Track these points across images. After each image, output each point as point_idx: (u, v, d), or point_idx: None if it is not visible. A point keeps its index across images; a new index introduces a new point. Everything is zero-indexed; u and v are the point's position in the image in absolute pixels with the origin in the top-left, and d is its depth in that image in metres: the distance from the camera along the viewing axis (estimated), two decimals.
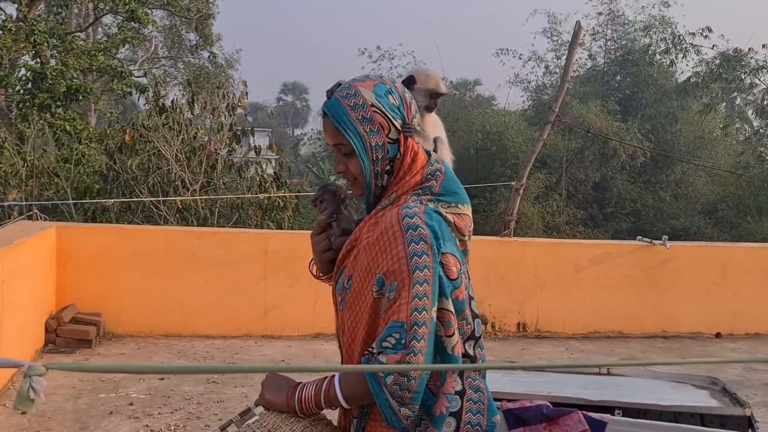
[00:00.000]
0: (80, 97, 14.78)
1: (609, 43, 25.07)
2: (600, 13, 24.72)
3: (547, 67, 25.87)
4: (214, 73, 25.75)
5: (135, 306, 7.20)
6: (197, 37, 28.23)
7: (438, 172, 2.05)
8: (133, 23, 18.15)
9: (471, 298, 2.05)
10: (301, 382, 1.96)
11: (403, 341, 1.85)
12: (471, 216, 2.08)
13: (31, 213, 7.16)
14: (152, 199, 9.62)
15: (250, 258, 7.36)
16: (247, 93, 11.30)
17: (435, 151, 2.26)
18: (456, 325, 1.94)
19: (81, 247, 7.10)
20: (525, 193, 17.95)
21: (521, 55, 30.00)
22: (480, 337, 2.06)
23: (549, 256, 8.34)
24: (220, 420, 5.03)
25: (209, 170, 10.53)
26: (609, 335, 8.30)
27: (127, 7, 15.78)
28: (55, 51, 16.07)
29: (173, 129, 9.99)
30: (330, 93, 2.07)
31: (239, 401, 5.46)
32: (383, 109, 2.01)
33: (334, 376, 1.92)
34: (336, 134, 2.03)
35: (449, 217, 1.99)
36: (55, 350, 6.57)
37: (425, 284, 1.88)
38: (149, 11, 20.19)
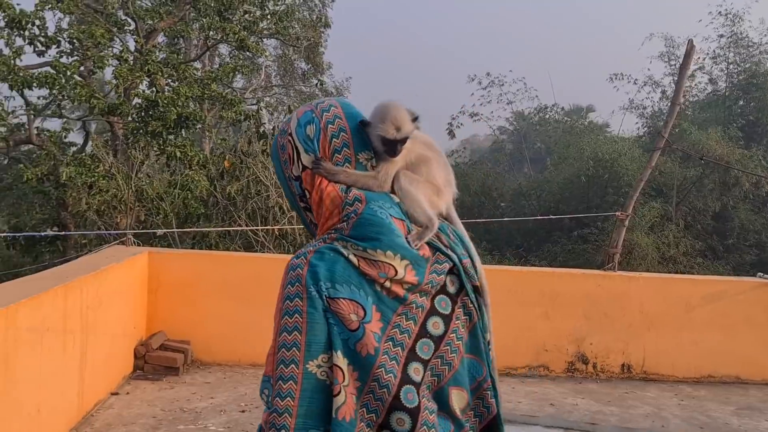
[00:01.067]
0: (190, 125, 15.16)
1: (731, 66, 23.84)
2: (721, 36, 23.57)
3: (663, 92, 24.87)
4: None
5: (223, 334, 7.13)
6: (308, 66, 28.81)
7: (353, 215, 1.78)
8: (244, 52, 18.61)
9: (409, 360, 1.70)
10: None
11: (269, 399, 1.64)
12: (405, 265, 1.75)
13: (124, 239, 7.26)
14: (248, 228, 9.65)
15: None
16: None
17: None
18: (348, 384, 1.61)
19: (172, 273, 7.10)
20: (638, 222, 17.14)
21: (636, 80, 28.96)
22: (416, 412, 1.66)
23: (657, 292, 7.75)
24: None
25: None
26: (725, 381, 7.61)
27: (236, 36, 16.13)
28: (169, 80, 16.64)
29: (270, 155, 10.00)
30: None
31: None
32: (294, 140, 1.83)
33: None
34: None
35: (351, 258, 1.71)
36: (142, 377, 6.56)
37: (295, 332, 1.64)
38: (261, 41, 20.69)
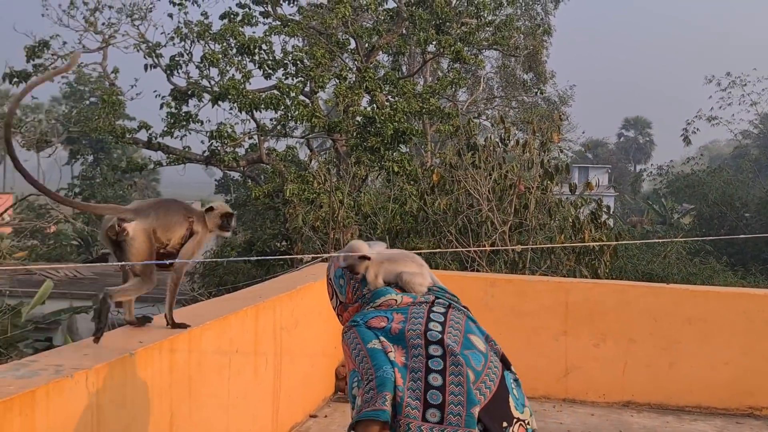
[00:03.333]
0: (407, 139, 15.18)
1: None
2: None
3: None
4: (545, 111, 25.34)
5: None
6: (530, 75, 28.12)
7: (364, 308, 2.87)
8: (461, 64, 18.41)
9: (428, 329, 2.69)
10: None
11: (359, 385, 2.69)
12: (397, 295, 2.85)
13: (329, 255, 7.17)
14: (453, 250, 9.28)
15: (548, 310, 6.57)
16: (559, 128, 10.56)
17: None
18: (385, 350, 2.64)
19: None
20: None
21: None
22: (448, 365, 2.58)
23: None
24: None
25: (522, 210, 9.94)
26: None
27: (452, 48, 15.95)
28: (389, 96, 16.85)
29: (479, 167, 9.60)
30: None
31: None
32: (333, 284, 3.01)
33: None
34: None
35: (369, 309, 2.83)
36: (343, 399, 6.39)
37: (355, 340, 2.73)
38: (480, 52, 20.41)
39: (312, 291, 5.84)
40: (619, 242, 6.64)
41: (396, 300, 2.81)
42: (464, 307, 2.92)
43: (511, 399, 2.67)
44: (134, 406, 3.51)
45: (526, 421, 2.69)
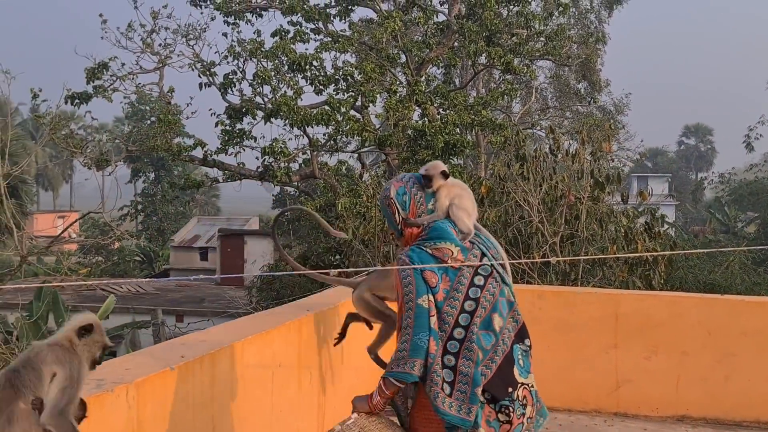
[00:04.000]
0: (458, 151, 15.16)
1: None
2: None
3: None
4: (601, 120, 24.98)
5: None
6: (585, 84, 27.78)
7: (427, 229, 3.26)
8: (512, 75, 18.31)
9: (462, 310, 3.11)
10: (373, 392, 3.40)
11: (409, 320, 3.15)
12: (455, 247, 3.17)
13: (373, 268, 7.17)
14: (512, 261, 9.19)
15: (598, 322, 6.45)
16: (610, 137, 10.40)
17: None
18: (433, 314, 3.08)
19: None
20: None
21: None
22: (462, 349, 3.07)
23: None
24: None
25: (573, 221, 9.81)
26: None
27: (502, 60, 15.88)
28: (440, 109, 16.85)
29: (527, 179, 9.51)
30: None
31: None
32: (395, 203, 3.31)
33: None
34: None
35: (427, 250, 3.17)
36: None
37: (410, 285, 3.09)
38: (531, 62, 20.27)
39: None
40: (669, 252, 6.49)
41: (452, 252, 3.15)
42: (501, 266, 3.25)
43: (515, 368, 3.16)
44: (175, 420, 3.57)
45: (530, 384, 3.20)
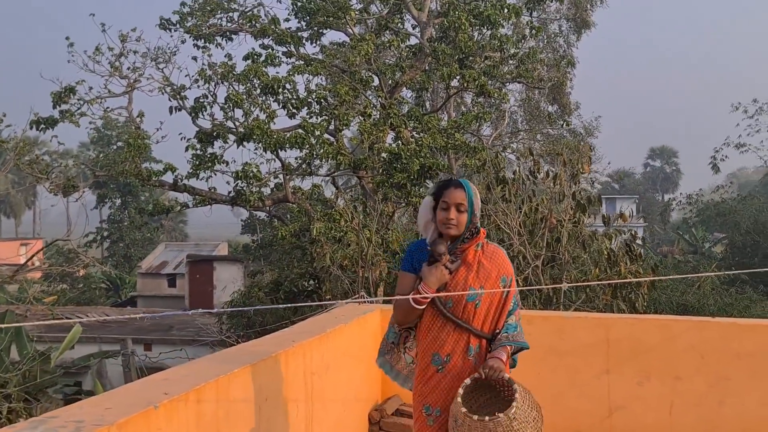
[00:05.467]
0: (433, 174, 15.03)
1: None
2: None
3: None
4: (572, 143, 25.08)
5: None
6: (555, 107, 27.95)
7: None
8: (486, 98, 18.31)
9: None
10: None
11: (518, 302, 3.94)
12: None
13: (358, 296, 6.99)
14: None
15: (589, 348, 6.29)
16: (590, 159, 10.32)
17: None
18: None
19: None
20: None
21: None
22: None
23: None
24: None
25: (553, 244, 9.69)
26: None
27: (476, 82, 15.84)
28: (414, 132, 16.73)
29: (509, 201, 9.38)
30: (456, 179, 3.82)
31: None
32: (478, 205, 3.78)
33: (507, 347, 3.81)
34: (463, 199, 3.69)
35: None
36: None
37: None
38: (503, 85, 20.30)
39: (342, 334, 5.65)
40: (668, 277, 6.37)
41: None
42: None
43: None
44: None
45: None
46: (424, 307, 3.66)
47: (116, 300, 44.38)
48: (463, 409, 3.47)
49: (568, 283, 8.16)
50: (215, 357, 4.47)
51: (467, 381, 3.61)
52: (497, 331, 3.77)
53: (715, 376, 6.06)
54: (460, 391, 3.55)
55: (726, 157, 39.18)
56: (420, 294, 3.60)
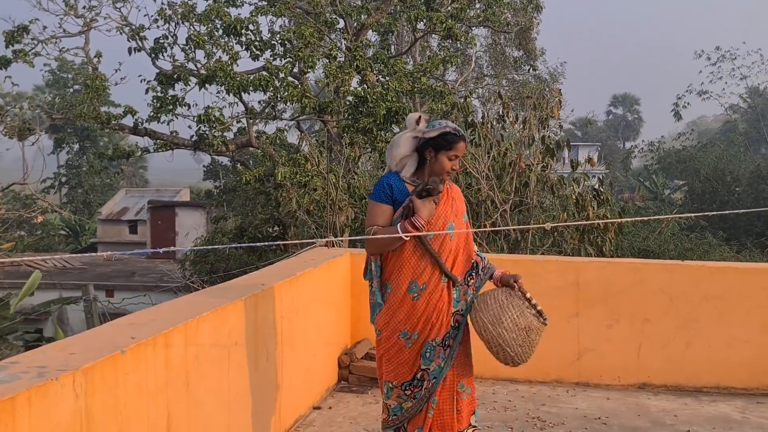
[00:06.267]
0: (400, 119, 14.83)
1: None
2: None
3: None
4: (536, 88, 24.98)
5: None
6: (520, 53, 27.73)
7: None
8: (453, 42, 18.05)
9: None
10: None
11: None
12: None
13: (327, 240, 6.88)
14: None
15: (559, 291, 6.28)
16: (560, 102, 10.24)
17: None
18: None
19: None
20: None
21: None
22: None
23: None
24: None
25: (521, 188, 9.65)
26: None
27: (443, 26, 15.57)
28: (379, 76, 16.46)
29: (477, 145, 9.28)
30: (462, 133, 4.00)
31: None
32: None
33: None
34: (464, 151, 4.01)
35: None
36: (347, 388, 6.11)
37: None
38: (470, 29, 20.03)
39: (312, 277, 5.54)
40: (647, 218, 6.35)
41: None
42: None
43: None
44: (127, 408, 3.20)
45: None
46: (408, 238, 3.80)
47: (76, 247, 43.76)
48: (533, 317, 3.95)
49: (551, 223, 8.11)
50: (183, 300, 4.33)
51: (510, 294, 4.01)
52: (472, 261, 4.07)
53: (683, 319, 6.11)
54: (520, 300, 3.97)
55: (688, 104, 39.50)
56: (414, 225, 3.77)
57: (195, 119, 15.38)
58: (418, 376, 3.93)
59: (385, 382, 4.01)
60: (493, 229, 4.99)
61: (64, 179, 53.11)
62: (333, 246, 7.01)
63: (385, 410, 4.04)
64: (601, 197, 9.66)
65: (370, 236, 3.89)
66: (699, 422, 5.39)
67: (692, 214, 8.98)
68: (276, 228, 15.91)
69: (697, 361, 6.11)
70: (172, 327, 3.61)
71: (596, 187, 10.00)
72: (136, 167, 63.30)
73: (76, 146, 53.06)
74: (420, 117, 3.93)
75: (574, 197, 9.41)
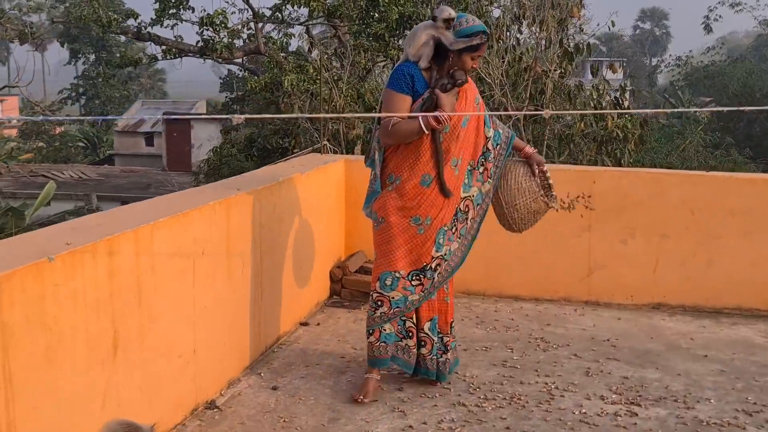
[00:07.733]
0: (413, 25, 14.08)
1: None
2: None
3: None
4: None
5: None
6: None
7: None
8: None
9: None
10: None
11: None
12: None
13: (319, 145, 6.39)
14: None
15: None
16: (582, 2, 9.47)
17: None
18: None
19: None
20: None
21: None
22: None
23: None
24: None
25: (537, 96, 9.04)
26: None
27: None
28: None
29: (490, 47, 8.63)
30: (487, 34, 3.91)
31: (540, 396, 4.08)
32: None
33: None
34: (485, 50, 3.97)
35: None
36: (338, 303, 5.72)
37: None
38: None
39: (300, 183, 5.06)
40: (668, 110, 5.82)
41: None
42: None
43: None
44: (59, 323, 2.80)
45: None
46: (428, 131, 3.77)
47: (94, 158, 43.63)
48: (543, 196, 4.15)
49: (550, 111, 7.53)
50: (140, 205, 3.90)
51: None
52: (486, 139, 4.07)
53: (705, 234, 5.61)
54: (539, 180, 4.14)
55: (720, 17, 37.87)
56: (438, 120, 3.70)
57: (199, 22, 14.71)
58: (432, 266, 3.97)
59: (389, 273, 3.92)
60: (492, 113, 4.44)
61: (81, 90, 52.63)
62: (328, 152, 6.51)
63: (386, 303, 3.94)
64: (623, 107, 9.02)
65: (388, 123, 3.83)
66: (718, 346, 4.95)
67: (718, 108, 8.32)
68: (286, 140, 15.42)
69: (718, 280, 5.63)
70: (120, 232, 3.17)
71: (617, 96, 9.35)
72: (155, 80, 62.57)
73: (92, 57, 52.36)
74: (449, 18, 3.76)
75: (593, 105, 8.79)
